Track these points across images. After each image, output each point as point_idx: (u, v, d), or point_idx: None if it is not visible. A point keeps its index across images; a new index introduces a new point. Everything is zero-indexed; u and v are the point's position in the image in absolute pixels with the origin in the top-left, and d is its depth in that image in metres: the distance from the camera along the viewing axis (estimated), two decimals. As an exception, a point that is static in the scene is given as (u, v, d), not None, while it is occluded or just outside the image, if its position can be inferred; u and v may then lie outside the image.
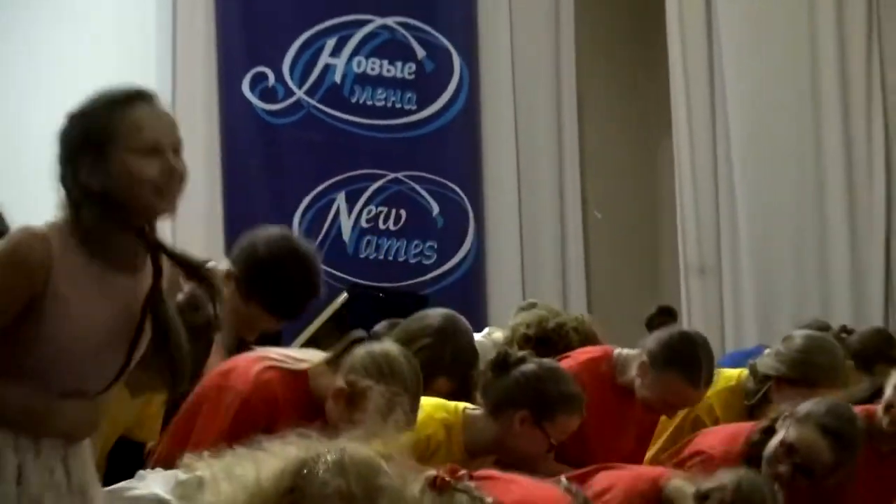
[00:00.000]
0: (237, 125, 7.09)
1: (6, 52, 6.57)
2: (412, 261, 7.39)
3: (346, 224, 7.27)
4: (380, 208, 7.33)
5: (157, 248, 2.51)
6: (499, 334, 4.50)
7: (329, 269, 5.94)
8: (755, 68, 7.30)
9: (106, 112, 2.50)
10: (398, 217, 7.37)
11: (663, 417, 4.00)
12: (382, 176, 7.31)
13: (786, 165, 7.27)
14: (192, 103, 6.92)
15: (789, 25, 7.34)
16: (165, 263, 2.53)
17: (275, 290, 3.46)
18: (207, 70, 7.08)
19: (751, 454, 3.59)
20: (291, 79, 7.26)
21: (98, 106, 2.51)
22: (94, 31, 6.74)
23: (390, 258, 7.36)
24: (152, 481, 2.71)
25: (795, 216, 7.19)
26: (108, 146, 2.48)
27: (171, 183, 2.49)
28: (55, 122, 2.52)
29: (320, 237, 7.04)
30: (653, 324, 5.07)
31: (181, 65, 7.01)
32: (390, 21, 7.48)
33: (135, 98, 2.52)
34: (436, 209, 7.40)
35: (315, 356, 3.21)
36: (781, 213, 7.17)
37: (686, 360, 3.77)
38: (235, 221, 6.64)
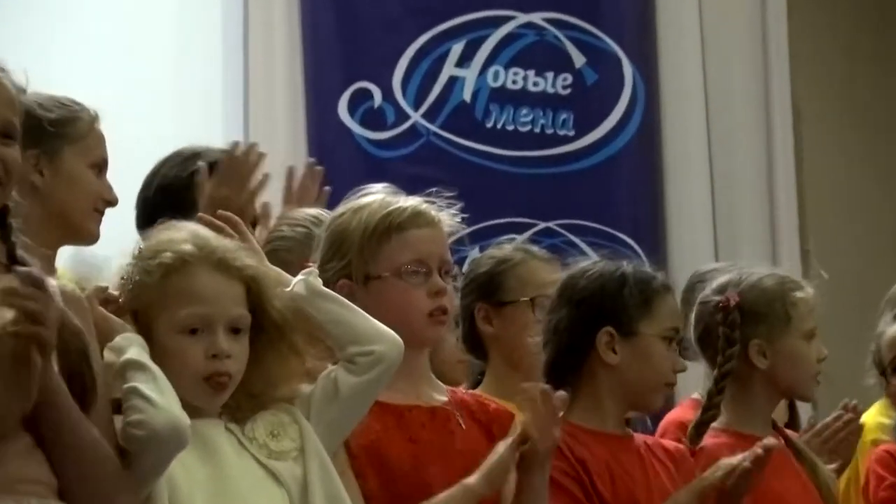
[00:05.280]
0: (331, 159, 5.96)
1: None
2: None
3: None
4: (530, 270, 6.43)
5: None
6: None
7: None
8: None
9: None
10: (556, 282, 6.44)
11: None
12: (532, 225, 6.46)
13: None
14: (271, 130, 6.06)
15: None
16: None
17: None
18: (291, 88, 6.25)
19: None
20: (404, 98, 6.45)
21: None
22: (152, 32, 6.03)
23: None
24: None
25: None
26: None
27: None
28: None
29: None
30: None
31: (254, 80, 6.18)
32: (537, 18, 6.62)
33: None
34: (603, 270, 6.41)
35: None
36: None
37: None
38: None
